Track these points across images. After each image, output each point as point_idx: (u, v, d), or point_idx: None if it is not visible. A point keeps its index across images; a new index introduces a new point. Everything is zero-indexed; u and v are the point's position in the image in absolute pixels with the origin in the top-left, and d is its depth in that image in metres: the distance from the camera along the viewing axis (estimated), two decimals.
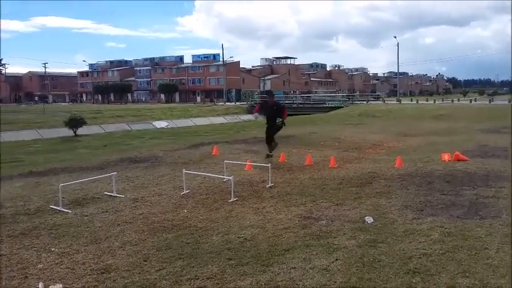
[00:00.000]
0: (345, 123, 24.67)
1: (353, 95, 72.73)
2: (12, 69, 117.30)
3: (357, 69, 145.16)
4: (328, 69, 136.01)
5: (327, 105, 52.23)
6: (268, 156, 10.58)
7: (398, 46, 68.41)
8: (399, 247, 4.49)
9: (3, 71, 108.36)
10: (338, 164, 9.62)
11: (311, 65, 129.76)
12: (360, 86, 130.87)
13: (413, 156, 10.45)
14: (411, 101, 55.55)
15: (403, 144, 13.43)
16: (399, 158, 9.38)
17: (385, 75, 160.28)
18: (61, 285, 3.83)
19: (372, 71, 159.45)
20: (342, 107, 48.38)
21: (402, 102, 51.92)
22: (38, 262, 4.43)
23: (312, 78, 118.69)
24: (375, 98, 66.54)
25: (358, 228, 5.16)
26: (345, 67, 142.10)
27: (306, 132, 18.82)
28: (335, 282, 3.74)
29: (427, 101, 52.93)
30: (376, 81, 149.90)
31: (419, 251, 4.36)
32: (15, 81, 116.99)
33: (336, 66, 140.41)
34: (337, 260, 4.21)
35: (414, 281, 3.72)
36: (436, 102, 49.73)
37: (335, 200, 6.55)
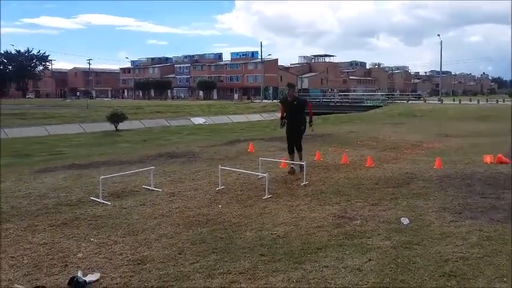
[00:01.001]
0: (384, 123, 24.24)
1: (393, 94, 71.27)
2: (58, 65, 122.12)
3: (397, 68, 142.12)
4: (367, 67, 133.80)
5: (366, 104, 51.43)
6: (291, 171, 8.52)
7: (441, 44, 66.34)
8: (435, 249, 4.39)
9: (50, 67, 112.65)
10: (375, 163, 9.47)
11: (350, 63, 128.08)
12: (400, 84, 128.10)
13: (454, 158, 10.16)
14: (453, 100, 53.90)
15: (443, 145, 13.07)
16: (439, 159, 9.15)
17: (427, 74, 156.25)
18: (99, 274, 3.97)
19: (413, 69, 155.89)
20: (381, 106, 47.47)
21: (444, 102, 50.42)
22: (77, 251, 4.61)
23: (350, 77, 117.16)
24: (416, 97, 64.94)
25: (393, 229, 5.07)
26: (385, 65, 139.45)
27: (343, 131, 18.65)
28: (367, 282, 3.71)
29: (471, 101, 51.11)
30: (418, 80, 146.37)
31: (456, 254, 4.25)
32: (61, 77, 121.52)
33: (376, 64, 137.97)
34: (370, 260, 4.16)
35: (450, 284, 3.64)
36: (480, 102, 47.96)
37: (370, 200, 6.46)
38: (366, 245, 4.58)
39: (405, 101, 54.08)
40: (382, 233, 4.97)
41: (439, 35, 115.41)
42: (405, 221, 5.36)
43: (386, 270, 3.92)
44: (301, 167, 8.16)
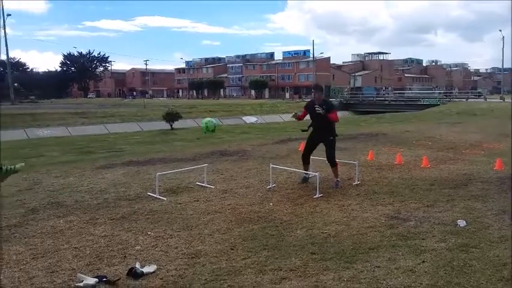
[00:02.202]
0: (441, 122, 23.38)
1: (451, 92, 68.53)
2: (117, 66, 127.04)
3: (456, 65, 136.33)
4: (424, 64, 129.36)
5: (422, 103, 49.84)
6: (305, 180, 7.77)
7: (503, 40, 63.03)
8: (493, 253, 4.23)
9: (109, 68, 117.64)
10: (431, 164, 9.20)
11: (405, 61, 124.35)
12: (459, 82, 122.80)
13: None
14: None
15: (504, 145, 12.43)
16: (499, 160, 8.74)
17: (488, 71, 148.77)
18: (155, 266, 4.14)
19: (473, 66, 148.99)
20: (439, 104, 45.85)
21: (506, 100, 47.85)
22: (135, 244, 4.83)
23: (406, 74, 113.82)
24: (476, 95, 62.09)
25: (449, 232, 4.93)
26: (443, 62, 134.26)
27: (397, 130, 18.19)
28: (420, 284, 3.64)
29: None
30: (478, 78, 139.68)
31: None
32: (120, 77, 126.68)
33: (433, 61, 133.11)
34: (424, 262, 4.08)
35: None
36: None
37: (425, 201, 6.30)
38: (419, 246, 4.49)
39: (464, 99, 51.93)
40: (437, 234, 4.85)
41: (500, 30, 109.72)
42: (462, 223, 5.19)
43: (441, 273, 3.83)
44: (337, 183, 7.41)
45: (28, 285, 3.84)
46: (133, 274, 3.94)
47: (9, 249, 4.71)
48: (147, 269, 4.05)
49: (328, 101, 7.94)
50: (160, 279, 3.91)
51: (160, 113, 31.10)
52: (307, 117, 7.72)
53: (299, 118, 7.68)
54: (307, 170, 7.82)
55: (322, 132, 7.53)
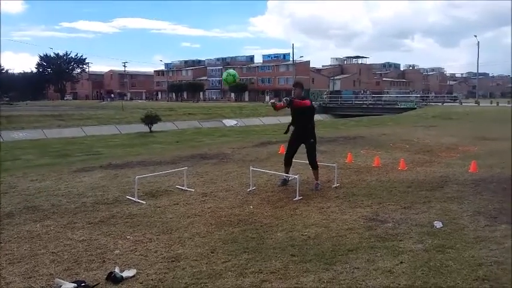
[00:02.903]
0: (418, 125, 23.79)
1: (427, 96, 69.81)
2: (94, 67, 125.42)
3: (433, 69, 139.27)
4: (402, 69, 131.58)
5: (399, 106, 50.64)
6: (284, 183, 7.74)
7: (478, 45, 64.62)
8: (469, 253, 4.34)
9: (87, 70, 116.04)
10: (408, 166, 9.36)
11: (383, 65, 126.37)
12: (435, 86, 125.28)
13: (490, 161, 9.92)
14: (491, 103, 52.30)
15: (479, 148, 12.74)
16: (474, 163, 8.96)
17: (464, 75, 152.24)
18: (135, 271, 4.10)
19: (449, 71, 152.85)
20: (415, 108, 46.69)
21: (481, 104, 49.03)
22: (114, 248, 4.77)
23: (384, 78, 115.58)
24: (452, 99, 63.42)
25: (425, 233, 5.03)
26: (420, 67, 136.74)
27: (375, 133, 18.44)
28: (399, 284, 3.70)
29: (509, 103, 49.48)
30: (454, 82, 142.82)
31: (490, 258, 4.19)
32: (97, 79, 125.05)
33: (410, 66, 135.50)
34: (402, 263, 4.15)
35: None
36: None
37: (403, 203, 6.40)
38: (397, 247, 4.56)
39: (440, 103, 53.04)
40: (414, 236, 4.94)
41: (475, 36, 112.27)
42: (438, 224, 5.30)
43: (418, 273, 3.90)
44: (316, 185, 7.45)
45: None
46: (113, 279, 3.89)
47: None
48: (126, 274, 4.01)
49: (306, 98, 7.74)
50: (140, 283, 3.88)
51: (139, 116, 30.81)
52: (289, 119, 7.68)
53: (276, 107, 7.40)
54: (287, 173, 7.80)
55: (302, 133, 7.47)
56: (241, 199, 6.84)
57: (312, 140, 7.46)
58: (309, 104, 7.35)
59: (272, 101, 7.57)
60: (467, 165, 9.16)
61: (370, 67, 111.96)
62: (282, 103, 7.36)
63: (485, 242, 4.68)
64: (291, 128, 7.72)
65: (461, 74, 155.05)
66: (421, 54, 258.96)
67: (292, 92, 7.69)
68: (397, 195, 6.88)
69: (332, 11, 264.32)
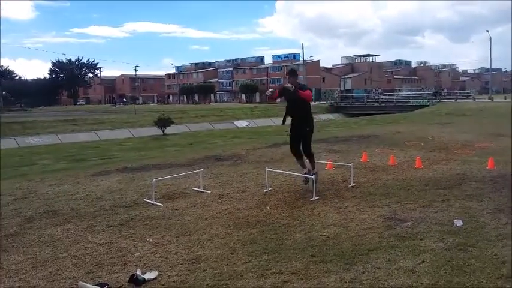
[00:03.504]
0: (432, 123, 23.59)
1: (440, 93, 69.20)
2: (106, 72, 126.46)
3: (444, 66, 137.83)
4: (413, 66, 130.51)
5: (412, 104, 50.26)
6: (306, 181, 7.27)
7: (490, 40, 63.67)
8: (491, 252, 4.29)
9: (99, 75, 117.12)
10: (424, 164, 9.28)
11: (394, 62, 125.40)
12: (447, 83, 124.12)
13: (508, 158, 9.78)
14: (505, 98, 51.55)
15: (496, 144, 12.58)
16: (491, 159, 8.85)
17: (476, 71, 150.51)
18: (157, 273, 4.14)
19: (461, 67, 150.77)
20: (428, 105, 46.28)
21: (495, 100, 48.41)
22: (135, 251, 4.81)
23: (395, 76, 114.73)
24: (465, 95, 62.77)
25: (446, 231, 4.98)
26: (431, 64, 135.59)
27: (389, 131, 18.32)
28: (422, 284, 3.67)
29: None
30: (466, 78, 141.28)
31: None
32: (109, 84, 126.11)
33: (421, 62, 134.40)
34: (423, 262, 4.12)
35: (508, 286, 3.55)
36: None
37: (421, 201, 6.35)
38: (418, 246, 4.53)
39: (453, 100, 52.48)
40: (434, 234, 4.89)
41: (487, 31, 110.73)
42: (458, 222, 5.25)
43: (441, 272, 3.87)
44: (313, 178, 6.92)
45: None
46: (135, 281, 3.93)
47: (8, 258, 4.68)
48: (148, 276, 4.04)
49: (303, 85, 7.31)
50: (162, 285, 3.91)
51: (152, 119, 31.07)
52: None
53: (272, 96, 7.18)
54: (303, 165, 7.34)
55: (299, 122, 7.03)
56: (258, 200, 6.85)
57: (307, 129, 7.12)
58: (310, 96, 7.08)
59: (271, 89, 7.20)
60: (485, 162, 9.06)
61: (380, 65, 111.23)
62: (275, 92, 7.18)
63: (507, 239, 4.62)
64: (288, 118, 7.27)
65: (474, 69, 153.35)
66: (432, 50, 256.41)
67: (287, 80, 7.19)
68: (415, 194, 6.83)
69: (340, 9, 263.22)
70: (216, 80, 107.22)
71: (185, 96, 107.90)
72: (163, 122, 27.87)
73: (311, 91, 7.22)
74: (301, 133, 7.15)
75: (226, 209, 6.35)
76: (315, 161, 7.49)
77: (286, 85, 7.06)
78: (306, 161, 7.40)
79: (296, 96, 6.91)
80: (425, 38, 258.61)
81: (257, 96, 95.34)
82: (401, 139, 14.79)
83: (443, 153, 11.21)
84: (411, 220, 5.48)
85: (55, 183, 8.69)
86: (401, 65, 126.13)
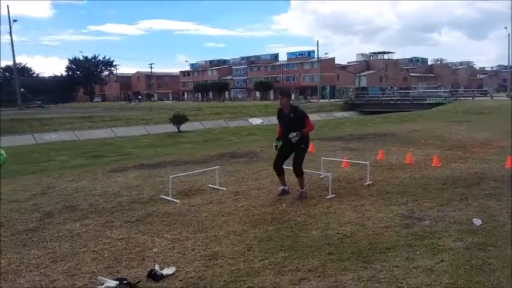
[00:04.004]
0: (448, 121, 23.30)
1: (457, 91, 68.29)
2: (122, 70, 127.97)
3: (461, 63, 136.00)
4: (429, 63, 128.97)
5: (428, 102, 49.72)
6: (283, 193, 6.99)
7: (509, 37, 62.69)
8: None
9: (115, 72, 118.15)
10: (441, 163, 9.18)
11: (410, 60, 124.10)
12: (464, 81, 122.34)
13: None
14: None
15: None
16: (510, 158, 8.71)
17: (494, 69, 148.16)
18: (174, 268, 4.17)
19: (478, 64, 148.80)
20: (445, 103, 45.73)
21: None
22: (153, 246, 4.86)
23: (411, 74, 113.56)
24: (482, 93, 61.85)
25: (465, 230, 4.93)
26: (448, 61, 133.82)
27: (405, 129, 18.16)
28: (441, 283, 3.64)
29: None
30: (484, 76, 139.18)
31: None
32: (125, 81, 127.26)
33: (438, 60, 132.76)
34: (442, 261, 4.08)
35: None
36: None
37: (439, 200, 6.29)
38: (436, 245, 4.49)
39: (470, 98, 51.78)
40: (453, 234, 4.84)
41: (506, 28, 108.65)
42: (477, 221, 5.19)
43: (460, 272, 3.83)
44: (301, 194, 6.77)
45: None
46: (153, 276, 3.97)
47: (28, 253, 4.76)
48: (166, 271, 4.08)
49: (297, 108, 7.00)
50: (180, 281, 3.94)
51: (167, 116, 31.22)
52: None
53: (278, 137, 6.93)
54: (283, 182, 7.04)
55: (297, 141, 6.59)
56: (274, 197, 6.85)
57: (302, 146, 6.74)
58: (312, 128, 6.79)
59: (275, 144, 6.91)
60: (503, 161, 8.93)
61: (396, 62, 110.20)
62: (278, 128, 7.02)
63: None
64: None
65: (491, 67, 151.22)
66: (448, 48, 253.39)
67: (279, 101, 7.00)
68: (433, 193, 6.76)
69: (355, 6, 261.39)
70: (231, 77, 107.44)
71: (199, 94, 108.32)
72: (178, 119, 27.99)
73: (306, 115, 6.82)
74: (295, 150, 6.75)
75: (242, 206, 6.37)
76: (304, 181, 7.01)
77: (292, 137, 6.52)
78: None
79: (286, 120, 6.70)
80: (442, 35, 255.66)
81: (271, 94, 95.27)
82: (417, 137, 14.65)
83: (460, 151, 11.08)
84: (429, 219, 5.43)
85: (73, 179, 8.81)
86: (418, 62, 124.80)
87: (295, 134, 6.49)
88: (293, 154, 6.86)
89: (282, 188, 7.08)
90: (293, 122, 6.64)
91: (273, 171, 7.19)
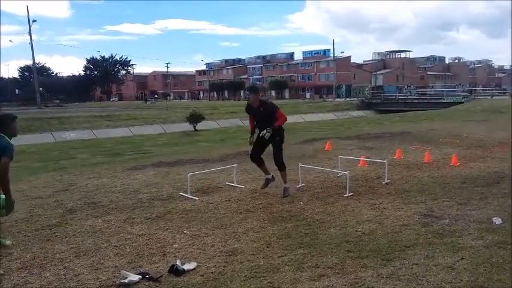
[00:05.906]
0: (466, 120, 23.01)
1: (475, 90, 67.30)
2: (138, 69, 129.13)
3: (479, 62, 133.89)
4: (447, 62, 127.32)
5: (445, 101, 49.13)
6: (267, 182, 7.16)
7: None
8: None
9: (131, 71, 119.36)
10: (460, 162, 9.11)
11: (428, 58, 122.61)
12: (483, 79, 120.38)
13: None
14: None
15: None
16: None
17: None
18: (195, 264, 4.24)
19: (497, 63, 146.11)
20: (463, 102, 45.10)
21: None
22: (173, 242, 4.94)
23: (428, 72, 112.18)
24: (501, 92, 60.81)
25: (484, 229, 4.90)
26: (466, 59, 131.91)
27: (422, 128, 18.00)
28: (461, 280, 3.64)
29: None
30: (502, 75, 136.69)
31: None
32: (141, 80, 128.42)
33: (456, 58, 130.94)
34: (462, 259, 4.08)
35: None
36: None
37: (458, 199, 6.26)
38: (456, 244, 4.48)
39: (489, 97, 50.92)
40: (473, 232, 4.83)
41: None
42: (498, 220, 5.15)
43: (481, 270, 3.82)
44: (285, 189, 6.87)
45: (74, 282, 3.98)
46: (175, 271, 4.04)
47: (52, 248, 4.88)
48: (187, 266, 4.15)
49: (266, 101, 7.13)
50: (201, 276, 4.01)
51: (183, 115, 31.45)
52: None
53: (252, 131, 7.03)
54: (266, 171, 7.13)
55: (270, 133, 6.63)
56: (291, 195, 6.89)
57: (277, 139, 6.77)
58: (284, 119, 6.81)
59: (250, 141, 7.05)
60: None
61: (413, 61, 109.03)
62: (249, 122, 7.16)
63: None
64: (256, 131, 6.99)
65: (511, 65, 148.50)
66: (466, 46, 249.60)
67: (248, 98, 7.03)
68: (452, 191, 6.72)
69: (371, 4, 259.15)
70: (246, 76, 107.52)
71: (215, 93, 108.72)
72: (195, 118, 28.17)
73: (277, 107, 6.86)
74: (271, 142, 6.81)
75: (260, 204, 6.43)
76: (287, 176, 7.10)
77: (264, 133, 6.67)
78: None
79: (256, 112, 6.81)
80: (459, 33, 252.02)
81: (287, 93, 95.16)
82: (435, 136, 14.52)
83: (479, 150, 10.97)
84: (448, 217, 5.41)
85: (93, 177, 8.96)
86: (435, 61, 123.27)
87: (265, 131, 6.59)
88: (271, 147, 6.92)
89: (266, 177, 7.14)
90: (263, 115, 6.72)
91: (290, 169, 7.27)
